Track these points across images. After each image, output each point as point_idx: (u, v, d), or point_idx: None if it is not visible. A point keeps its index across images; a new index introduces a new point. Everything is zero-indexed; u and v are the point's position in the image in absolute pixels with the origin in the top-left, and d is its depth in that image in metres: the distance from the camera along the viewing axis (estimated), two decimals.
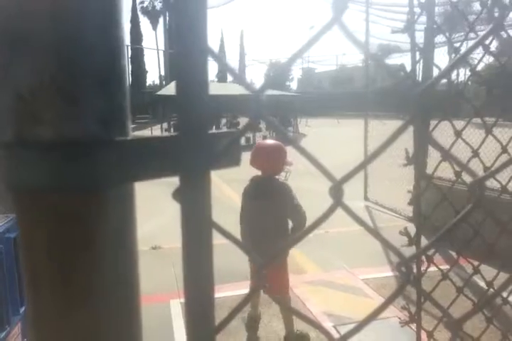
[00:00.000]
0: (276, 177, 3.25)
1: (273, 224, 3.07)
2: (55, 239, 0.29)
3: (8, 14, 0.27)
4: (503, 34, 1.47)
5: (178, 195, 0.33)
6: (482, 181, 0.37)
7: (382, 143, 0.35)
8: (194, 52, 0.32)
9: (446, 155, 0.45)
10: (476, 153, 1.60)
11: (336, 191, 0.35)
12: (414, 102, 0.37)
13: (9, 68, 0.28)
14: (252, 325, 3.44)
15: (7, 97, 0.28)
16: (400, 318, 1.56)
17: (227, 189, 8.53)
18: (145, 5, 53.87)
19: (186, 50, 0.32)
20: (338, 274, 4.73)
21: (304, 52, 0.39)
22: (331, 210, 0.36)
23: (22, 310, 2.07)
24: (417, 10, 1.76)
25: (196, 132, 0.32)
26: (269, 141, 3.35)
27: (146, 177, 0.31)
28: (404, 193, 1.96)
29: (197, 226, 0.35)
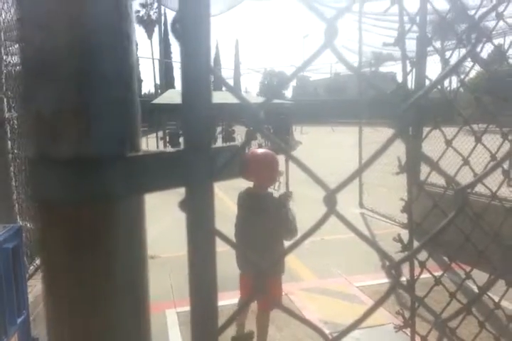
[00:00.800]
0: (269, 189, 3.14)
1: (265, 237, 2.98)
2: (72, 246, 0.32)
3: (35, 48, 0.30)
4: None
5: (183, 205, 0.36)
6: (464, 190, 0.40)
7: (372, 155, 0.38)
8: (199, 74, 0.35)
9: (434, 167, 0.48)
10: (466, 161, 1.64)
11: (329, 200, 0.38)
12: (400, 118, 0.40)
13: (34, 94, 0.31)
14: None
15: (31, 120, 0.31)
16: (395, 324, 1.58)
17: (225, 197, 8.55)
18: (141, 14, 54.25)
19: (192, 70, 0.35)
20: (334, 281, 4.75)
21: (298, 72, 0.43)
22: (324, 218, 0.39)
23: (19, 320, 2.07)
24: (408, 21, 1.82)
25: (200, 147, 0.35)
26: (260, 151, 3.18)
27: (155, 189, 0.34)
28: (400, 200, 2.00)
29: (201, 234, 0.37)
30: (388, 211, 7.03)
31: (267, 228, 3.00)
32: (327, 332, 3.76)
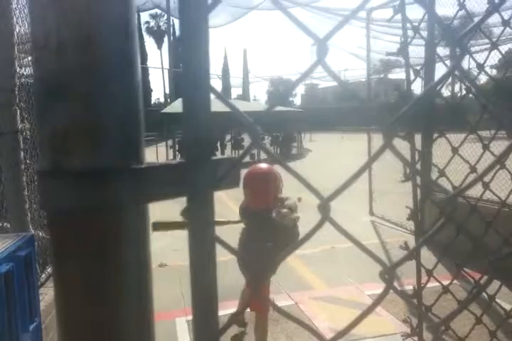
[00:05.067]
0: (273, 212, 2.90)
1: (265, 251, 2.83)
2: (82, 252, 0.34)
3: (47, 69, 0.33)
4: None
5: (185, 213, 0.38)
6: (453, 198, 0.42)
7: (362, 166, 0.40)
8: (198, 82, 0.38)
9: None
10: (473, 169, 1.64)
11: (323, 208, 0.40)
12: (388, 130, 0.42)
13: (46, 112, 0.34)
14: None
15: (44, 135, 0.34)
16: (402, 332, 1.58)
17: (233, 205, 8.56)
18: (150, 25, 55.13)
19: (191, 79, 0.38)
20: (345, 290, 4.72)
21: (295, 86, 0.45)
22: (319, 225, 0.41)
23: (31, 327, 2.10)
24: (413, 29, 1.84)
25: (200, 159, 0.37)
26: (259, 167, 3.01)
27: (158, 198, 0.36)
28: (406, 208, 2.00)
29: (202, 240, 0.40)
30: (398, 218, 6.99)
31: (266, 245, 2.89)
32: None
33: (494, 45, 1.57)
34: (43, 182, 0.34)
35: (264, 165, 3.06)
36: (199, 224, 0.40)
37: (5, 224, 3.58)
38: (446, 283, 1.63)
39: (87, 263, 0.35)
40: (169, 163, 0.37)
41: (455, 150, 1.51)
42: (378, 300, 0.42)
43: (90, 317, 0.35)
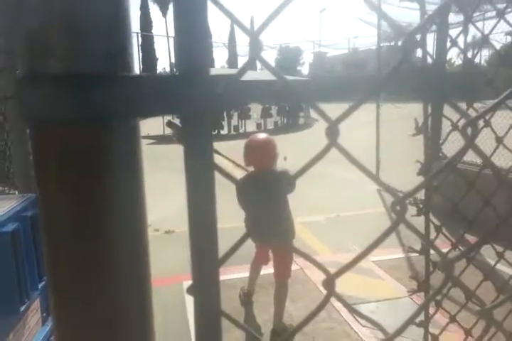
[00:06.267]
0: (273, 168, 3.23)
1: (274, 211, 3.06)
2: (67, 165, 0.32)
3: None
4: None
5: (169, 125, 0.35)
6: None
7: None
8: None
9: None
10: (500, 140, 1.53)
11: (331, 131, 0.37)
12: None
13: (21, 7, 0.30)
14: (247, 300, 3.75)
15: (20, 35, 0.31)
16: (408, 289, 1.59)
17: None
18: None
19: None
20: (350, 256, 4.73)
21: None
22: (325, 150, 0.38)
23: (41, 285, 2.15)
24: None
25: (196, 72, 0.34)
26: (257, 138, 3.30)
27: (148, 113, 0.33)
28: (416, 177, 1.94)
29: (199, 166, 0.37)
30: (405, 187, 6.95)
31: (274, 202, 3.01)
32: (341, 304, 3.81)
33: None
34: (21, 91, 0.30)
35: (260, 135, 3.36)
36: (195, 149, 0.36)
37: (12, 190, 3.60)
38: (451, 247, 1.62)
39: (73, 185, 0.32)
40: (161, 75, 0.33)
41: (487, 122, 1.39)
42: (389, 230, 0.39)
43: (79, 250, 0.33)
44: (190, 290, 0.38)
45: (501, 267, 1.76)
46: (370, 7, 0.39)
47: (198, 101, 0.34)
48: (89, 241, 0.33)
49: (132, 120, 0.34)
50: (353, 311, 0.43)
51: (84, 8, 0.30)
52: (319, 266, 0.41)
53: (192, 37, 0.34)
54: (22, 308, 1.94)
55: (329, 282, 0.40)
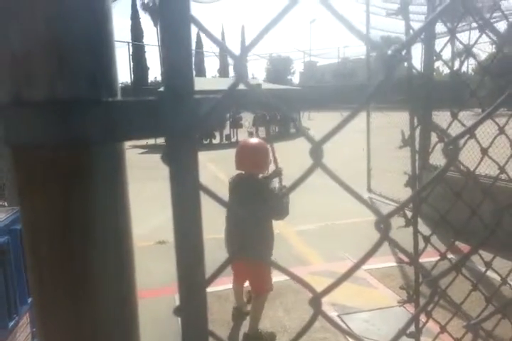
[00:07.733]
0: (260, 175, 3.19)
1: (256, 220, 2.96)
2: (48, 188, 0.32)
3: None
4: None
5: (165, 157, 0.35)
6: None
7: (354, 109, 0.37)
8: (179, 20, 0.34)
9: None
10: (485, 151, 1.55)
11: (315, 152, 0.38)
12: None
13: (5, 32, 0.30)
14: (238, 314, 3.63)
15: (3, 60, 0.31)
16: (398, 300, 1.59)
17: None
18: (146, 1, 53.75)
19: (171, 16, 0.34)
20: (342, 265, 4.76)
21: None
22: (310, 171, 0.38)
23: (30, 299, 2.11)
24: None
25: (181, 95, 0.34)
26: (250, 142, 3.27)
27: (133, 136, 0.33)
28: (404, 174, 1.96)
29: (185, 187, 0.37)
30: (396, 195, 6.99)
31: (258, 211, 2.95)
32: (335, 314, 3.81)
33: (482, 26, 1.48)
34: (3, 116, 0.30)
35: (253, 140, 3.34)
36: (181, 171, 0.37)
37: (1, 202, 3.57)
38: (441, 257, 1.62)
39: (56, 205, 0.32)
40: (146, 99, 0.33)
41: (471, 132, 1.42)
42: (373, 250, 0.40)
43: (61, 263, 0.33)
44: (177, 312, 0.37)
45: (492, 274, 1.77)
46: (359, 37, 0.39)
47: (181, 126, 0.34)
48: (72, 263, 0.33)
49: (114, 144, 0.34)
50: (337, 328, 0.43)
51: (67, 33, 0.30)
52: (305, 284, 0.41)
53: (178, 57, 0.34)
54: (11, 324, 1.90)
55: (316, 301, 0.40)
